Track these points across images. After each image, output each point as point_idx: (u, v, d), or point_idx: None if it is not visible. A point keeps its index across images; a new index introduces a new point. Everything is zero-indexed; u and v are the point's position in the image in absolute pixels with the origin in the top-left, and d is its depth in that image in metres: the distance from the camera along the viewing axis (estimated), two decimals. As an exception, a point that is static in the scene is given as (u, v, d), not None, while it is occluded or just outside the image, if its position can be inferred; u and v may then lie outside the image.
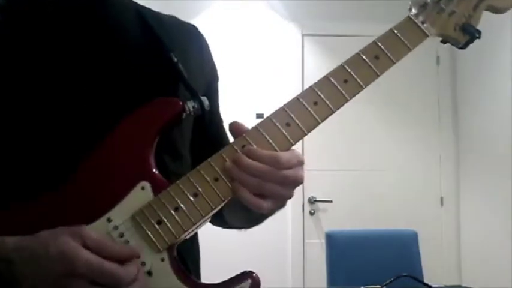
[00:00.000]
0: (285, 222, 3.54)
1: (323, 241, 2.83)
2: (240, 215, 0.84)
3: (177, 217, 0.70)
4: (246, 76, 3.63)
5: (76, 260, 0.61)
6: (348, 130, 3.64)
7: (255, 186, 0.70)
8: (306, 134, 0.74)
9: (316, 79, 0.75)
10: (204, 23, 3.60)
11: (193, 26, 0.95)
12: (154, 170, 0.73)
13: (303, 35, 3.73)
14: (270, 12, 3.72)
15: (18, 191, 0.72)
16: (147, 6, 0.90)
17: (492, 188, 3.28)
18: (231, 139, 0.75)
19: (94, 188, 0.71)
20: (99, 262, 0.62)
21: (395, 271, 2.14)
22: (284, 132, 0.73)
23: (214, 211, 0.72)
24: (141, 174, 0.72)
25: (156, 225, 0.70)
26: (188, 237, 0.74)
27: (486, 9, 0.80)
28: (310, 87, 0.75)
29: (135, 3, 0.88)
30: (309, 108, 0.74)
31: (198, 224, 0.71)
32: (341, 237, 2.74)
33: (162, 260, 0.70)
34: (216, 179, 0.71)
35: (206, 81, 0.90)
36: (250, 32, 3.68)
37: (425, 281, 2.24)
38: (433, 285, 2.13)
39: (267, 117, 0.74)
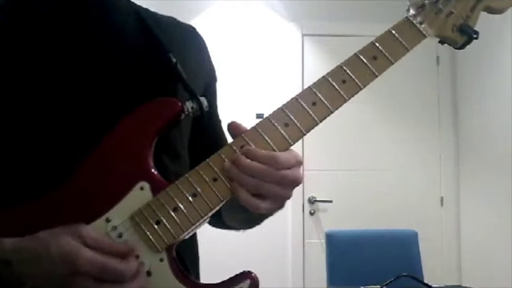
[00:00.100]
0: (285, 222, 3.54)
1: (323, 241, 2.83)
2: (239, 216, 0.84)
3: (176, 217, 0.70)
4: (246, 76, 3.64)
5: (78, 259, 0.61)
6: (348, 130, 3.64)
7: (253, 186, 0.70)
8: (304, 135, 0.74)
9: (316, 79, 0.76)
10: (204, 23, 3.61)
11: (191, 27, 0.95)
12: (153, 170, 0.73)
13: (303, 35, 3.73)
14: (270, 12, 3.72)
15: (17, 192, 0.72)
16: (148, 6, 0.90)
17: (492, 188, 3.28)
18: (230, 139, 0.75)
19: (93, 188, 0.71)
20: (101, 259, 0.62)
21: (395, 271, 2.14)
22: (283, 132, 0.73)
23: (213, 211, 0.72)
24: (140, 175, 0.72)
25: (155, 226, 0.70)
26: (187, 237, 0.74)
27: (483, 10, 0.80)
28: (309, 87, 0.75)
29: (134, 4, 0.89)
30: (308, 109, 0.74)
31: (197, 224, 0.71)
32: (341, 237, 2.74)
33: (161, 260, 0.70)
34: (215, 179, 0.71)
35: (204, 82, 0.90)
36: (250, 32, 3.68)
37: (425, 281, 2.24)
38: (433, 285, 2.13)
39: (266, 118, 0.74)
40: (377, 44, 0.77)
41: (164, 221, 0.70)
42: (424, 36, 0.78)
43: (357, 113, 3.56)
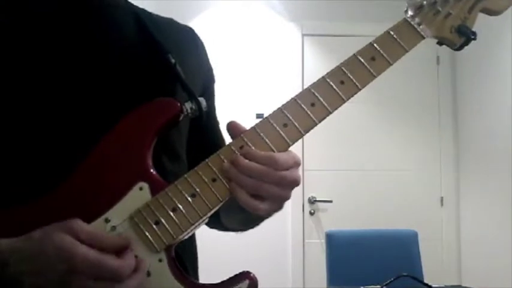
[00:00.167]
0: (285, 222, 3.55)
1: (323, 241, 2.83)
2: (237, 217, 0.84)
3: (174, 217, 0.70)
4: (246, 76, 3.64)
5: (74, 256, 0.61)
6: (348, 130, 3.64)
7: (252, 187, 0.70)
8: (303, 135, 0.74)
9: (316, 79, 0.76)
10: (204, 23, 3.62)
11: (190, 28, 0.95)
12: (152, 171, 0.73)
13: (303, 35, 3.73)
14: (270, 12, 3.72)
15: (15, 192, 0.72)
16: (148, 6, 0.91)
17: (492, 188, 3.28)
18: (228, 140, 0.75)
19: (92, 188, 0.71)
20: (97, 257, 0.62)
21: (395, 271, 2.14)
22: (281, 133, 0.73)
23: (212, 212, 0.72)
24: (139, 175, 0.72)
25: (154, 226, 0.70)
26: (186, 238, 0.74)
27: (481, 11, 0.81)
28: (308, 88, 0.75)
29: (132, 4, 0.89)
30: (306, 109, 0.74)
31: (195, 225, 0.72)
32: (341, 237, 2.74)
33: (160, 260, 0.70)
34: (214, 180, 0.72)
35: (203, 83, 0.91)
36: (251, 32, 3.68)
37: (425, 281, 2.24)
38: (433, 285, 2.13)
39: (265, 118, 0.74)
40: (375, 45, 0.77)
41: (163, 221, 0.70)
42: (423, 37, 0.79)
43: (357, 112, 3.56)
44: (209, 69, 0.95)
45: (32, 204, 0.70)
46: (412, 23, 0.79)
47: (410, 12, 0.79)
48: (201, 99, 0.79)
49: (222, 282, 0.71)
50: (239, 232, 0.95)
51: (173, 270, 0.70)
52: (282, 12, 3.73)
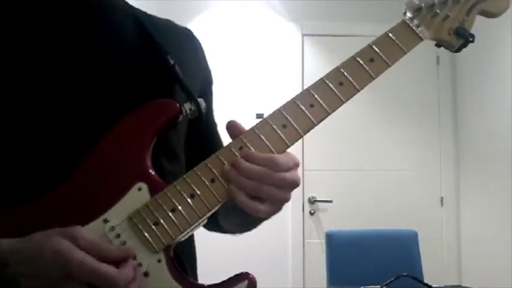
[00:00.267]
0: (285, 222, 3.55)
1: (323, 241, 2.83)
2: (235, 219, 0.84)
3: (173, 218, 0.70)
4: (246, 76, 3.64)
5: (70, 261, 0.61)
6: (348, 130, 3.64)
7: (252, 189, 0.70)
8: (302, 136, 0.74)
9: (316, 79, 0.76)
10: (204, 23, 3.62)
11: (188, 30, 0.95)
12: (151, 171, 0.73)
13: (303, 35, 3.74)
14: (270, 12, 3.72)
15: (15, 192, 0.72)
16: (148, 6, 0.91)
17: (492, 188, 3.28)
18: (225, 141, 0.75)
19: (91, 188, 0.71)
20: (94, 264, 0.62)
21: (395, 271, 2.14)
22: (280, 134, 0.73)
23: (211, 212, 0.72)
24: (138, 175, 0.72)
25: (153, 226, 0.70)
26: (185, 238, 0.74)
27: (479, 14, 0.81)
28: (307, 89, 0.75)
29: (131, 6, 0.89)
30: (305, 111, 0.74)
31: (194, 226, 0.72)
32: (341, 237, 2.74)
33: (159, 261, 0.70)
34: (213, 180, 0.72)
35: (201, 85, 0.91)
36: (251, 32, 3.69)
37: (425, 281, 2.24)
38: (433, 285, 2.13)
39: (264, 119, 0.74)
40: (374, 47, 0.77)
41: (162, 221, 0.70)
42: (421, 39, 0.79)
43: (357, 112, 3.56)
44: (208, 71, 0.95)
45: (32, 204, 0.70)
46: (411, 25, 0.79)
47: (408, 14, 0.80)
48: (201, 100, 0.80)
49: (221, 282, 0.71)
50: (237, 234, 0.95)
51: (172, 271, 0.70)
52: (282, 12, 3.73)
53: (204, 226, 0.77)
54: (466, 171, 3.65)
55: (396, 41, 0.78)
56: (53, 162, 0.73)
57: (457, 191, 3.72)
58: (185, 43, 0.92)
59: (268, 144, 0.73)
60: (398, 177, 3.70)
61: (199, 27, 3.56)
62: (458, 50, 0.81)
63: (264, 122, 0.74)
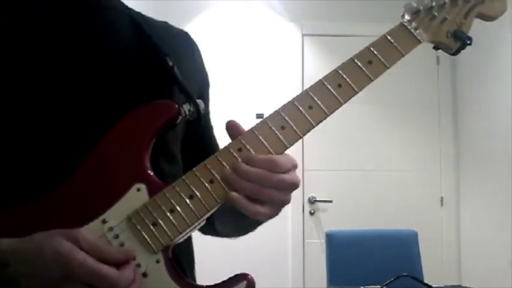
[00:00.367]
0: (285, 222, 3.55)
1: (323, 241, 2.83)
2: (232, 223, 0.84)
3: (172, 219, 0.70)
4: (246, 76, 3.64)
5: (71, 261, 0.61)
6: (348, 130, 3.64)
7: (252, 192, 0.70)
8: (300, 137, 0.75)
9: (316, 79, 0.77)
10: (204, 23, 3.62)
11: (185, 32, 0.95)
12: (149, 172, 0.73)
13: (303, 35, 3.74)
14: (270, 12, 3.72)
15: (15, 192, 0.72)
16: (148, 6, 0.91)
17: (492, 188, 3.28)
18: (223, 142, 0.75)
19: (90, 189, 0.72)
20: (95, 265, 0.62)
21: (395, 271, 2.14)
22: (279, 135, 0.74)
23: (210, 213, 0.72)
24: (137, 176, 0.72)
25: (151, 227, 0.70)
26: (183, 239, 0.74)
27: (476, 17, 0.82)
28: (305, 91, 0.76)
29: (128, 8, 0.89)
30: (304, 112, 0.74)
31: (193, 227, 0.72)
32: (341, 237, 2.74)
33: (157, 261, 0.70)
34: (212, 181, 0.72)
35: (198, 87, 0.91)
36: (250, 32, 3.69)
37: (425, 281, 2.24)
38: (433, 285, 2.13)
39: (263, 121, 0.74)
40: (372, 49, 0.78)
41: (161, 222, 0.70)
42: (419, 42, 0.80)
43: (357, 113, 3.56)
44: (205, 74, 0.95)
45: (32, 204, 0.70)
46: (409, 27, 0.80)
47: (407, 17, 0.80)
48: (199, 102, 0.80)
49: (220, 283, 0.71)
50: (233, 238, 0.95)
51: (170, 271, 0.70)
52: (282, 12, 3.73)
53: (200, 229, 0.77)
54: (466, 172, 3.65)
55: (394, 44, 0.78)
56: (53, 162, 0.73)
57: (457, 191, 3.72)
58: (182, 45, 0.92)
59: (267, 145, 0.73)
60: (398, 177, 3.70)
61: (199, 27, 3.56)
62: (456, 52, 0.81)
63: (263, 123, 0.74)
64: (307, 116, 0.74)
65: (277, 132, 0.74)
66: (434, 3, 0.81)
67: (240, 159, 0.72)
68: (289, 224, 3.57)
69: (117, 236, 0.70)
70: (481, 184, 3.44)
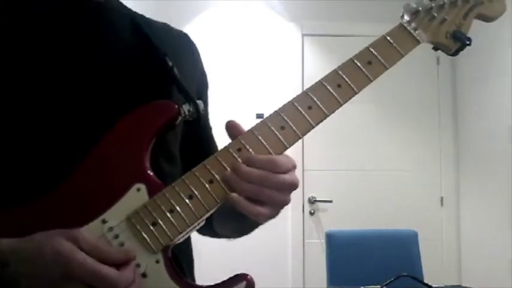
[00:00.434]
0: (285, 222, 3.55)
1: (323, 241, 2.83)
2: (231, 224, 0.85)
3: (172, 219, 0.70)
4: (246, 76, 3.64)
5: (71, 261, 0.61)
6: (348, 130, 3.64)
7: (253, 193, 0.70)
8: (300, 138, 0.75)
9: (316, 79, 0.77)
10: (204, 23, 3.62)
11: (184, 33, 0.96)
12: (149, 172, 0.73)
13: (303, 35, 3.74)
14: (270, 12, 3.72)
15: (15, 192, 0.72)
16: (148, 6, 0.91)
17: (492, 188, 3.28)
18: (223, 143, 0.76)
19: (90, 189, 0.72)
20: (95, 265, 0.62)
21: (395, 271, 2.14)
22: (279, 135, 0.74)
23: (209, 213, 0.72)
24: (137, 176, 0.72)
25: (151, 227, 0.70)
26: (183, 239, 0.74)
27: (476, 18, 0.82)
28: (305, 91, 0.76)
29: (128, 8, 0.89)
30: (304, 113, 0.75)
31: (192, 227, 0.72)
32: (341, 237, 2.75)
33: (157, 261, 0.70)
34: (211, 182, 0.72)
35: (197, 88, 0.91)
36: (250, 32, 3.69)
37: (425, 281, 2.24)
38: (433, 285, 2.13)
39: (262, 121, 0.75)
40: (372, 50, 0.78)
41: (160, 222, 0.70)
42: (418, 42, 0.80)
43: (357, 112, 3.56)
44: (204, 75, 0.95)
45: (32, 204, 0.70)
46: (408, 28, 0.80)
47: (406, 18, 0.80)
48: (199, 102, 0.80)
49: (219, 284, 0.71)
50: (231, 239, 0.95)
51: (170, 272, 0.70)
52: (282, 12, 3.73)
53: (198, 230, 0.77)
54: (466, 172, 3.65)
55: (394, 44, 0.78)
56: (53, 163, 0.73)
57: (457, 191, 3.72)
58: (182, 46, 0.93)
59: (267, 145, 0.73)
60: (398, 177, 3.70)
61: (199, 27, 3.56)
62: (455, 53, 0.81)
63: (263, 124, 0.74)
64: (306, 116, 0.75)
65: (276, 132, 0.74)
66: (433, 4, 0.81)
67: (240, 160, 0.72)
68: (289, 224, 3.57)
69: (116, 236, 0.70)
70: (481, 184, 3.44)
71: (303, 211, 3.63)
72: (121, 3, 0.89)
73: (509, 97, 3.08)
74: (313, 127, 0.75)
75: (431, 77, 3.79)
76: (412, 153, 3.74)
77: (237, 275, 0.72)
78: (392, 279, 2.09)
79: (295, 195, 0.75)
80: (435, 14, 0.81)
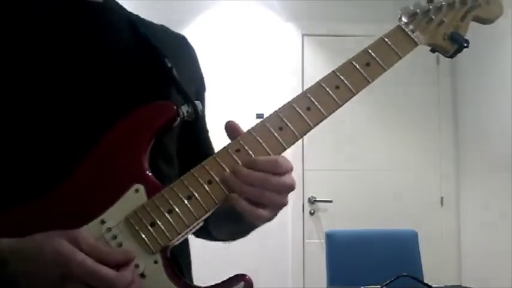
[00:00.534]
0: (285, 222, 3.55)
1: (323, 241, 2.83)
2: (227, 227, 0.85)
3: (170, 219, 0.70)
4: (246, 76, 3.64)
5: (71, 261, 0.62)
6: (348, 130, 3.64)
7: (254, 195, 0.70)
8: (298, 139, 0.75)
9: (316, 79, 0.77)
10: (203, 23, 3.62)
11: (182, 36, 0.96)
12: (148, 173, 0.73)
13: (303, 35, 3.74)
14: (270, 12, 3.72)
15: (15, 192, 0.72)
16: (148, 7, 0.91)
17: (492, 188, 3.28)
18: (221, 144, 0.76)
19: (88, 190, 0.72)
20: (95, 266, 0.63)
21: (395, 271, 2.14)
22: (277, 136, 0.74)
23: (208, 214, 0.72)
24: (135, 177, 0.73)
25: (150, 228, 0.70)
26: (181, 240, 0.74)
27: (473, 20, 0.82)
28: (304, 92, 0.76)
29: (126, 10, 0.90)
30: (302, 114, 0.75)
31: (191, 227, 0.72)
32: (341, 237, 2.75)
33: (156, 262, 0.70)
34: (210, 182, 0.72)
35: (195, 90, 0.91)
36: (250, 33, 3.69)
37: (425, 281, 2.24)
38: (433, 285, 2.13)
39: (261, 122, 0.75)
40: (370, 51, 0.78)
41: (159, 223, 0.70)
42: (416, 44, 0.80)
43: (357, 112, 3.56)
44: (201, 77, 0.96)
45: (32, 204, 0.70)
46: (406, 30, 0.80)
47: (404, 20, 0.81)
48: (197, 103, 0.80)
49: (218, 284, 0.71)
50: (227, 242, 0.95)
51: (168, 272, 0.70)
52: (281, 13, 3.73)
53: (194, 233, 0.77)
54: (466, 171, 3.65)
55: (392, 46, 0.79)
56: (53, 163, 0.73)
57: (457, 191, 3.72)
58: (180, 48, 0.93)
59: (265, 146, 0.73)
60: (399, 177, 3.70)
61: (198, 27, 3.56)
62: (453, 55, 0.82)
63: (261, 125, 0.74)
64: (305, 117, 0.75)
65: (275, 133, 0.74)
66: (431, 6, 0.81)
67: (238, 161, 0.72)
68: (289, 224, 3.57)
69: (115, 237, 0.70)
70: (481, 184, 3.44)
71: (303, 211, 3.62)
72: (120, 5, 0.89)
73: (509, 97, 3.08)
74: (312, 128, 0.75)
75: (431, 77, 3.78)
76: (412, 153, 3.73)
77: (235, 276, 0.72)
78: (392, 279, 2.08)
79: (295, 195, 0.76)
80: (433, 16, 0.81)
